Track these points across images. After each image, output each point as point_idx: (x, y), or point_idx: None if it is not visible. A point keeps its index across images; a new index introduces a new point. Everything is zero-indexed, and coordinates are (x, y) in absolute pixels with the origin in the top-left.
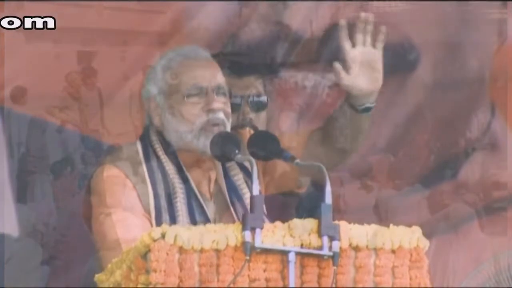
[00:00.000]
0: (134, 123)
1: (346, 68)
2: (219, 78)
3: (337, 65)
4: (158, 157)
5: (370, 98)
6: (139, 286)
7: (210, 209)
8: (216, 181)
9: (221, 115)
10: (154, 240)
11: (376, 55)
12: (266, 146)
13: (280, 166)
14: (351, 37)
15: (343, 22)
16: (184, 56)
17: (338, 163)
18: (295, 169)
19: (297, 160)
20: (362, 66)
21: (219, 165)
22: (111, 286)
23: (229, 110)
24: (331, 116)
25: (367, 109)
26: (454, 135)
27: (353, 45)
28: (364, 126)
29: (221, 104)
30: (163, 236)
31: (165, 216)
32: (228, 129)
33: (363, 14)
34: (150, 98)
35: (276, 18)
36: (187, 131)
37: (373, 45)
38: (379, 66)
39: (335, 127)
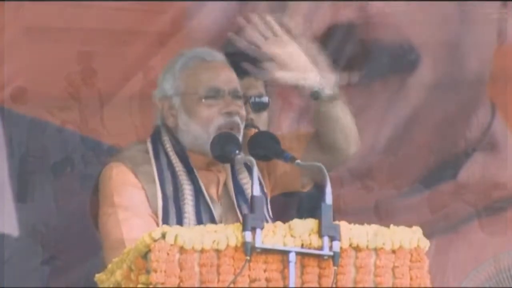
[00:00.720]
0: (134, 123)
1: (272, 64)
2: (235, 81)
3: (250, 67)
4: (168, 158)
5: (313, 82)
6: (139, 286)
7: (217, 211)
8: (224, 183)
9: (237, 118)
10: (155, 240)
11: (286, 42)
12: (266, 146)
13: (284, 166)
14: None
15: (233, 35)
16: (202, 58)
17: (337, 163)
18: (299, 169)
19: (298, 161)
20: (280, 58)
21: (228, 167)
22: (111, 286)
23: (244, 113)
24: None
25: (316, 94)
26: (454, 135)
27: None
28: (333, 114)
29: (237, 107)
30: (163, 236)
31: (172, 217)
32: (242, 132)
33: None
34: (165, 99)
35: (276, 18)
36: (203, 132)
37: (289, 35)
38: (290, 46)
39: (318, 124)
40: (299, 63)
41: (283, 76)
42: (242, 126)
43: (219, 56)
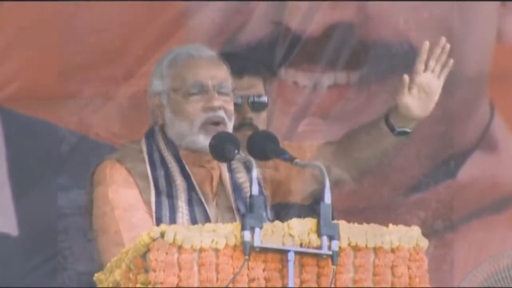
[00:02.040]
0: (134, 123)
1: (409, 87)
2: (223, 76)
3: (406, 78)
4: (161, 155)
5: (412, 124)
6: (138, 285)
7: (212, 209)
8: (220, 181)
9: (221, 113)
10: (154, 240)
11: (437, 86)
12: (265, 146)
13: (287, 176)
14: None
15: (427, 44)
16: (188, 54)
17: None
18: (303, 180)
19: (297, 160)
20: (420, 91)
21: (224, 165)
22: (110, 285)
23: (230, 108)
24: (360, 129)
25: (403, 133)
26: (453, 134)
27: (424, 69)
28: (390, 148)
29: (221, 102)
30: (162, 235)
31: (165, 215)
32: (229, 127)
33: (443, 40)
34: (155, 96)
35: (276, 18)
36: (187, 129)
37: (438, 76)
38: (435, 97)
39: (362, 141)
40: (431, 102)
41: (411, 103)
42: (229, 122)
43: (208, 52)
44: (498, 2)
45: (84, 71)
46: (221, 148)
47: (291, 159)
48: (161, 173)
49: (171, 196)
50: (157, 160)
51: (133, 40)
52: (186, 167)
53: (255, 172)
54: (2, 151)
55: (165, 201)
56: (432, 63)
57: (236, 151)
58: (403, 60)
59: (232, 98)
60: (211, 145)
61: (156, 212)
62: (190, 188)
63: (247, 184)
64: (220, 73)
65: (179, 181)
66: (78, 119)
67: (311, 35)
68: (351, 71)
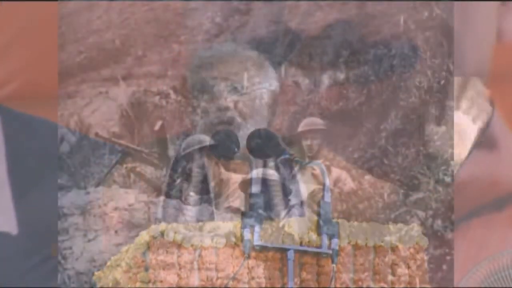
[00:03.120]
0: (134, 123)
1: None
2: (234, 75)
3: None
4: (190, 153)
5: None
6: (138, 284)
7: (220, 209)
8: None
9: (228, 113)
10: (154, 238)
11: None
12: (266, 144)
13: None
14: None
15: None
16: (202, 55)
17: None
18: None
19: (297, 158)
20: None
21: (254, 162)
22: (110, 284)
23: (245, 107)
24: None
25: None
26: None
27: None
28: None
29: (228, 102)
30: (162, 233)
31: (165, 214)
32: (244, 126)
33: None
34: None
35: (276, 18)
36: (199, 129)
37: None
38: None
39: None
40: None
41: None
42: (244, 120)
43: (229, 51)
44: (498, 2)
45: (84, 71)
46: (221, 146)
47: (291, 158)
48: (175, 172)
49: (177, 196)
50: (182, 159)
51: (133, 40)
52: (206, 163)
53: (255, 171)
54: (1, 150)
55: (167, 201)
56: None
57: (236, 149)
58: (403, 60)
59: (250, 96)
60: (211, 144)
61: (156, 213)
62: (203, 187)
63: (277, 183)
64: (233, 72)
65: (193, 181)
66: (78, 119)
67: (311, 34)
68: (351, 70)
